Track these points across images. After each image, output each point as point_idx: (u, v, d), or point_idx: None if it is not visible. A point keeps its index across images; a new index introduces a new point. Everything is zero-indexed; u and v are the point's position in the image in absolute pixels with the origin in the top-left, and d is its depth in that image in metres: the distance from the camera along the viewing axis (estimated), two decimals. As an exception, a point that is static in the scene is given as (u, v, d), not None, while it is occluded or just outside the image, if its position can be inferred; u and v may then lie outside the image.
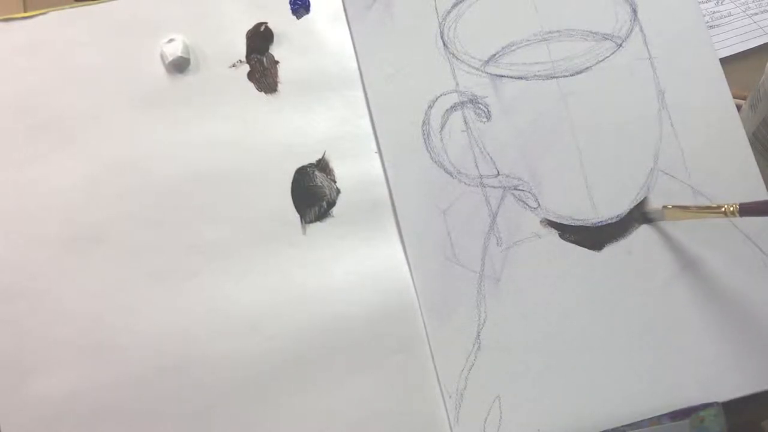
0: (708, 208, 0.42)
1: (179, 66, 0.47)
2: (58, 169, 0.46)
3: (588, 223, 0.47)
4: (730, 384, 0.44)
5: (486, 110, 0.48)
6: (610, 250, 0.46)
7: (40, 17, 0.48)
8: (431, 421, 0.44)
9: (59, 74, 0.47)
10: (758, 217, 0.45)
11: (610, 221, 0.47)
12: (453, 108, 0.48)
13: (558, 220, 0.46)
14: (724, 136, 0.48)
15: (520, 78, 0.48)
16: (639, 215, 0.46)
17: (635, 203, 0.47)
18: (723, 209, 0.41)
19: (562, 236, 0.45)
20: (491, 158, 0.47)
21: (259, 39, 0.49)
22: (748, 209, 0.40)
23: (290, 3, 0.49)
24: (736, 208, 0.40)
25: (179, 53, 0.47)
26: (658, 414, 0.43)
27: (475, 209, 0.46)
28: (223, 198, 0.46)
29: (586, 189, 0.47)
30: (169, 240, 0.45)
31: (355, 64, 0.49)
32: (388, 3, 0.49)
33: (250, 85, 0.48)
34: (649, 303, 0.45)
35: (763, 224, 0.46)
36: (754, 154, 0.47)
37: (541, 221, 0.46)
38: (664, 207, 0.45)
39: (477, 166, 0.47)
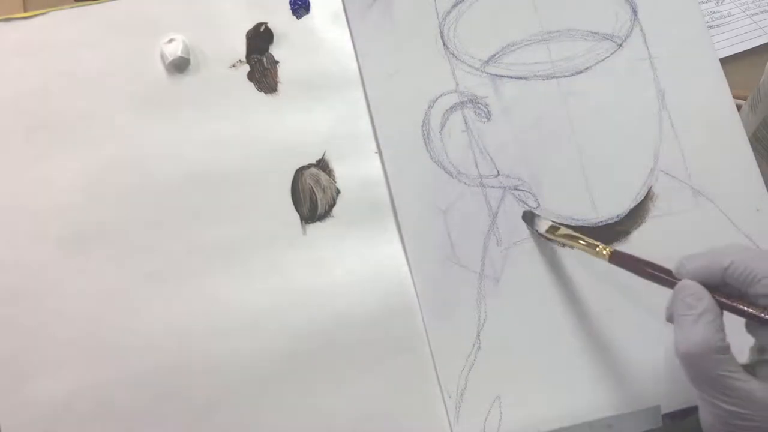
0: (586, 243, 0.41)
1: (179, 66, 0.47)
2: (58, 169, 0.46)
3: (588, 223, 0.47)
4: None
5: (486, 110, 0.48)
6: (610, 250, 0.46)
7: (40, 17, 0.48)
8: (431, 421, 0.44)
9: (59, 74, 0.47)
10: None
11: (610, 221, 0.47)
12: (453, 108, 0.48)
13: (558, 220, 0.46)
14: (724, 136, 0.48)
15: (520, 78, 0.48)
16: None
17: (635, 203, 0.47)
18: (597, 249, 0.40)
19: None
20: (491, 158, 0.47)
21: (259, 39, 0.49)
22: (618, 258, 0.39)
23: (290, 3, 0.49)
24: (609, 251, 0.39)
25: (179, 53, 0.47)
26: (658, 414, 0.43)
27: (475, 209, 0.46)
28: (223, 198, 0.46)
29: (586, 189, 0.47)
30: (169, 240, 0.45)
31: (355, 64, 0.49)
32: (388, 3, 0.49)
33: (250, 85, 0.48)
34: (649, 303, 0.45)
35: (764, 224, 0.46)
36: (754, 155, 0.47)
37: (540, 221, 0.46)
38: (552, 227, 0.44)
39: (477, 166, 0.47)
